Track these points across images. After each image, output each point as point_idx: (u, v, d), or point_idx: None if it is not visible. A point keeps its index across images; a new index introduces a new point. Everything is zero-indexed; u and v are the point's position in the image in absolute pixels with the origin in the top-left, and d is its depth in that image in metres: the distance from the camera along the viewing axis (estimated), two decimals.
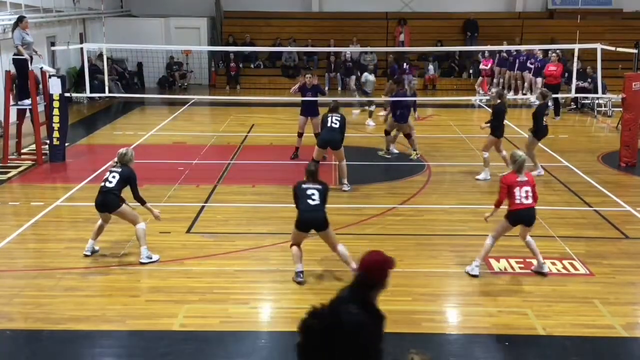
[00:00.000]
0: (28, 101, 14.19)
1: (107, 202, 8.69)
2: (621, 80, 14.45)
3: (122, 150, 8.97)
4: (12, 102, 14.24)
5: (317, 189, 8.13)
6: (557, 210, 10.95)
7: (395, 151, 14.64)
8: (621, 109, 14.89)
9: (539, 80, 21.00)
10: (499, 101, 12.84)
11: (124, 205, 8.76)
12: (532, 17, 27.11)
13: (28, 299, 7.74)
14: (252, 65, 26.10)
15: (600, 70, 16.04)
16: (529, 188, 8.27)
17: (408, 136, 14.31)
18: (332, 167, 13.72)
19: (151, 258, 8.71)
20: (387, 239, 9.69)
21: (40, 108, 14.24)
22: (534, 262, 8.56)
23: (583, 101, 20.59)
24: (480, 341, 6.99)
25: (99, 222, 8.91)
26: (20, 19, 14.59)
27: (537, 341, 6.97)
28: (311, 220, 8.12)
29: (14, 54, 14.59)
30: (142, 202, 8.85)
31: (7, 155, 13.99)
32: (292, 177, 11.82)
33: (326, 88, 22.84)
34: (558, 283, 8.25)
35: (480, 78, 23.49)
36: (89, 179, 12.59)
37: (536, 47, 21.96)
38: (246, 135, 16.77)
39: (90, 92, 16.81)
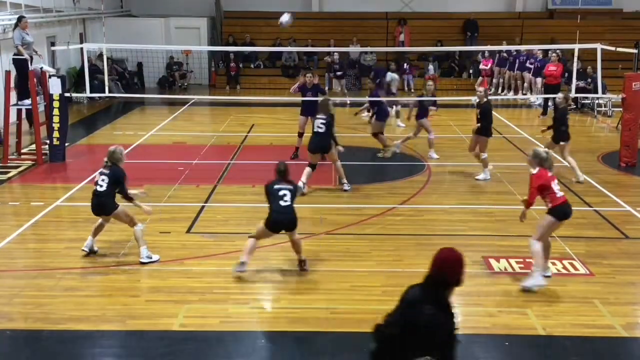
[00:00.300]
0: (28, 101, 14.19)
1: (102, 205, 8.69)
2: (621, 80, 14.45)
3: (111, 148, 8.88)
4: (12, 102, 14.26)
5: (289, 190, 8.24)
6: None
7: (435, 156, 14.38)
8: (621, 109, 14.90)
9: (539, 80, 21.02)
10: (485, 100, 12.74)
11: (120, 207, 8.74)
12: (532, 17, 27.12)
13: (28, 299, 7.74)
14: (252, 65, 26.11)
15: (600, 70, 16.04)
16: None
17: (375, 135, 14.45)
18: (332, 167, 13.73)
19: (151, 258, 8.70)
20: (387, 239, 9.69)
21: (40, 108, 14.24)
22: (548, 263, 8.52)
23: (583, 101, 20.59)
24: (480, 341, 6.99)
25: (100, 220, 8.91)
26: (20, 19, 14.60)
27: (537, 341, 6.96)
28: (283, 221, 8.23)
29: (14, 54, 14.60)
30: (131, 200, 8.74)
31: (7, 155, 14.00)
32: (292, 177, 11.84)
33: (326, 88, 22.84)
34: (558, 283, 8.24)
35: (480, 78, 23.50)
36: (89, 179, 12.56)
37: (536, 47, 21.97)
38: (246, 135, 16.78)
39: (90, 92, 16.81)
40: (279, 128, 17.70)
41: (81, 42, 21.92)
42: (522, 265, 8.72)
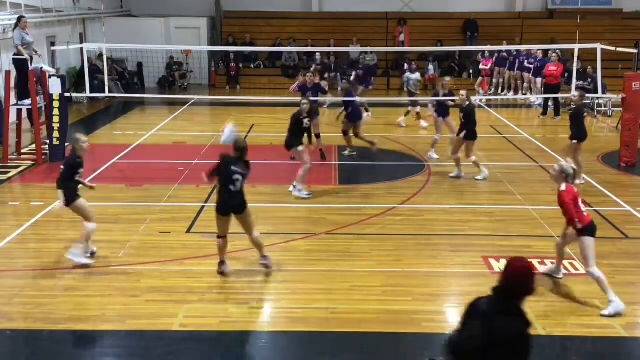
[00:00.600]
0: (28, 101, 14.19)
1: (64, 194, 8.44)
2: (621, 80, 14.45)
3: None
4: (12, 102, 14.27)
5: (243, 175, 8.09)
6: (557, 210, 10.89)
7: (435, 156, 14.26)
8: (621, 109, 14.90)
9: (539, 80, 21.02)
10: (467, 103, 12.58)
11: (79, 200, 8.56)
12: (532, 17, 27.12)
13: (28, 299, 7.74)
14: (252, 65, 26.11)
15: (600, 70, 16.04)
16: None
17: (345, 133, 14.36)
18: (332, 167, 13.75)
19: (81, 260, 8.50)
20: (387, 239, 9.69)
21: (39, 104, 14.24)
22: (548, 263, 8.53)
23: (583, 101, 20.55)
24: None
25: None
26: (20, 19, 14.60)
27: (537, 341, 6.90)
28: (231, 205, 8.09)
29: (14, 54, 14.60)
30: (58, 188, 8.46)
31: (7, 155, 14.00)
32: (293, 178, 11.87)
33: (326, 88, 22.80)
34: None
35: (480, 78, 23.50)
36: (88, 179, 12.54)
37: (536, 47, 21.97)
38: (246, 135, 16.75)
39: (90, 92, 16.81)
40: (279, 128, 17.60)
41: (81, 42, 21.91)
42: None
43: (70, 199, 8.48)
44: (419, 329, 7.15)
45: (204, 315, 7.44)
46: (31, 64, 14.37)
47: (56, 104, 14.01)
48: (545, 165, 13.58)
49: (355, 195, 11.86)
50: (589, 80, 19.97)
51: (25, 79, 14.16)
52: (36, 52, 15.03)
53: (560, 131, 17.30)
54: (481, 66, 23.51)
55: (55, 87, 13.99)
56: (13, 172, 13.32)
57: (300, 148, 11.57)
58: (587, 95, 19.66)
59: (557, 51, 20.51)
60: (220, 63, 25.96)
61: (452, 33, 26.25)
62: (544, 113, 19.78)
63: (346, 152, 14.57)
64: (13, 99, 14.58)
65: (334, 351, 6.70)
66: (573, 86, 16.60)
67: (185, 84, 25.19)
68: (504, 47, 22.32)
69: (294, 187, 11.58)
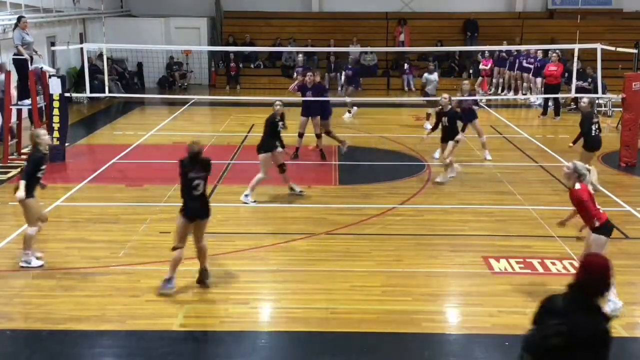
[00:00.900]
0: (28, 101, 14.19)
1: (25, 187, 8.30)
2: (621, 80, 14.45)
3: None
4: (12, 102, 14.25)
5: (204, 178, 7.99)
6: (557, 210, 10.92)
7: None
8: (621, 109, 14.90)
9: (539, 80, 21.03)
10: (450, 107, 12.48)
11: (32, 199, 8.47)
12: (532, 17, 27.12)
13: (28, 299, 7.74)
14: (252, 65, 26.11)
15: (600, 70, 16.03)
16: None
17: (328, 133, 14.25)
18: (332, 167, 13.75)
19: (29, 263, 8.49)
20: (387, 239, 9.69)
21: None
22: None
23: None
24: (480, 341, 6.99)
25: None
26: (20, 19, 14.59)
27: None
28: (197, 209, 7.97)
29: (14, 54, 14.60)
30: (21, 179, 8.42)
31: (7, 155, 13.99)
32: (293, 177, 11.86)
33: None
34: (558, 283, 8.22)
35: (480, 78, 23.49)
36: (89, 179, 12.60)
37: (536, 47, 21.97)
38: (246, 135, 16.77)
39: (91, 92, 16.80)
40: None
41: (81, 42, 21.91)
42: (522, 265, 8.72)
43: (27, 194, 8.37)
44: (419, 329, 7.15)
45: (204, 315, 7.45)
46: (31, 64, 14.37)
47: (56, 104, 14.02)
48: (545, 166, 13.57)
49: (355, 195, 11.86)
50: (589, 80, 19.96)
51: (25, 79, 14.16)
52: (36, 52, 15.02)
53: (560, 131, 17.31)
54: (481, 66, 23.50)
55: (55, 87, 13.99)
56: (13, 172, 13.30)
57: (279, 150, 11.30)
58: (587, 95, 19.74)
59: (557, 51, 20.51)
60: (220, 63, 25.95)
61: (452, 33, 26.26)
62: (544, 113, 19.78)
63: (344, 150, 14.45)
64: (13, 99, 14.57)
65: (334, 351, 6.70)
66: (573, 86, 16.60)
67: (185, 84, 25.18)
68: (504, 47, 22.32)
69: (245, 195, 11.24)
